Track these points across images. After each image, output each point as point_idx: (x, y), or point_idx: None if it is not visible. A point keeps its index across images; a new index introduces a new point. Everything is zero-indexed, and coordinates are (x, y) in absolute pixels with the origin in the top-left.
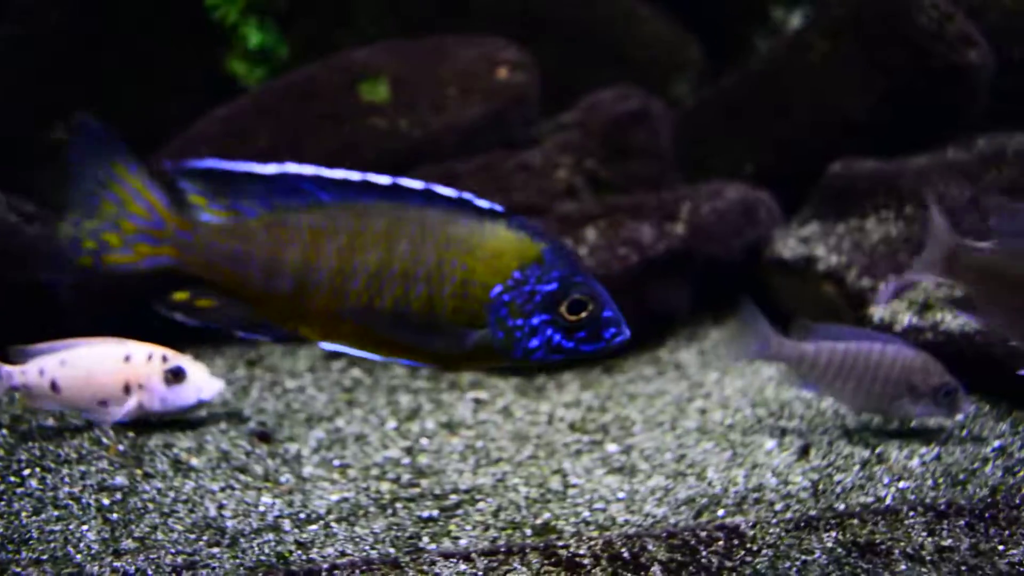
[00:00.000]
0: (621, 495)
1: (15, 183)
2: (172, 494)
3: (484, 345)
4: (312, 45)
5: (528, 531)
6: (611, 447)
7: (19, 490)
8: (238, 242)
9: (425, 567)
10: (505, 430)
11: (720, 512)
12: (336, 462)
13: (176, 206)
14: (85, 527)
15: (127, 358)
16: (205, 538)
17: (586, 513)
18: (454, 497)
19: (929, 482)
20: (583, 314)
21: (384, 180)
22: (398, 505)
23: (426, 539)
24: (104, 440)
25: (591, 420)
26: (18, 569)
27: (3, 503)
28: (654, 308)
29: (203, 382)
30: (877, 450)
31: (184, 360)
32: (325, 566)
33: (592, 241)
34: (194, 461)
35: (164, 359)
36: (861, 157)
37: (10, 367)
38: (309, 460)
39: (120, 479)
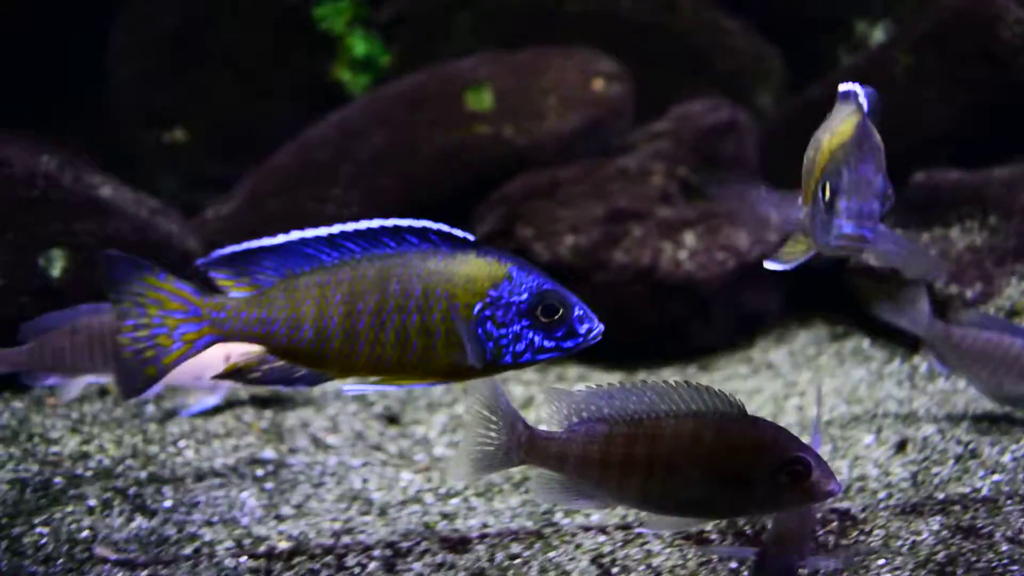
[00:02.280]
0: None
1: (133, 182)
2: (319, 468)
3: (480, 356)
4: (412, 55)
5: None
6: None
7: (178, 459)
8: (262, 309)
9: (568, 537)
10: None
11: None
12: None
13: (204, 292)
14: (245, 494)
15: None
16: (356, 508)
17: None
18: None
19: (1021, 476)
20: (556, 316)
21: (369, 227)
22: (529, 483)
23: (559, 515)
24: (245, 418)
25: None
26: (193, 529)
27: (167, 470)
28: (746, 310)
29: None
30: (970, 446)
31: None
32: (475, 534)
33: (691, 245)
34: (331, 439)
35: None
36: (943, 168)
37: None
38: (438, 441)
39: (269, 453)
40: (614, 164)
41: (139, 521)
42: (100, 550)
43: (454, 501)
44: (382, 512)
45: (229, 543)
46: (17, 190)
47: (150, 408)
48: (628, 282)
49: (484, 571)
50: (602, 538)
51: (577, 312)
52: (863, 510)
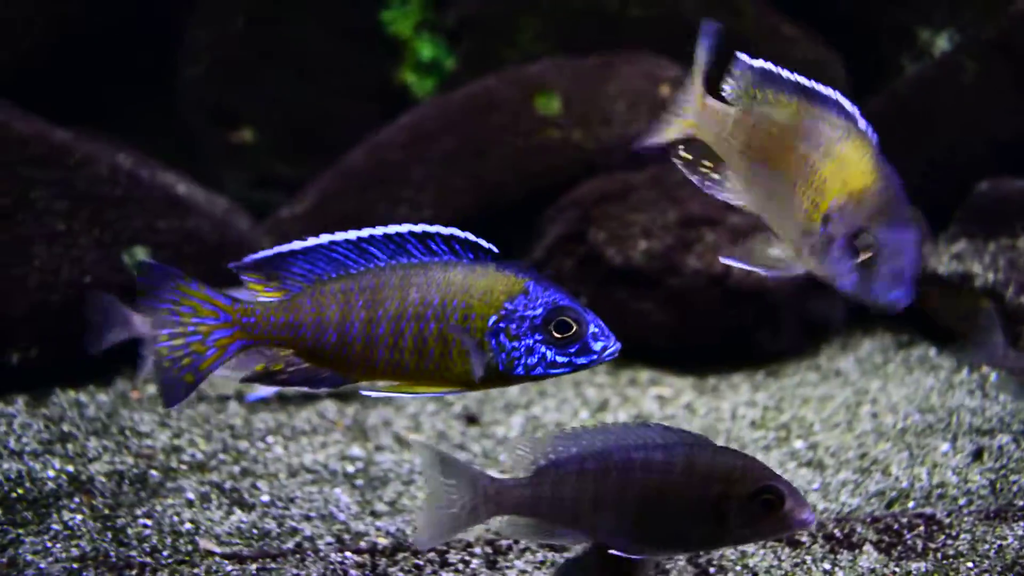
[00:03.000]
0: (815, 486)
1: (203, 179)
2: (407, 466)
3: (492, 367)
4: (477, 59)
5: None
6: (798, 444)
7: (268, 455)
8: (290, 314)
9: None
10: (695, 424)
11: (910, 504)
12: None
13: (233, 299)
14: (338, 490)
15: None
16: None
17: None
18: None
19: None
20: (570, 332)
21: (397, 231)
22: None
23: None
24: (328, 415)
25: (771, 419)
26: (293, 523)
27: (260, 465)
28: (813, 318)
29: None
30: None
31: None
32: None
33: None
34: (413, 438)
35: None
36: (1009, 176)
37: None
38: (517, 444)
39: (356, 450)
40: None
41: (239, 515)
42: (204, 543)
43: None
44: None
45: (329, 538)
46: (101, 188)
47: (233, 405)
48: (700, 288)
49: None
50: None
51: (592, 329)
52: (948, 515)
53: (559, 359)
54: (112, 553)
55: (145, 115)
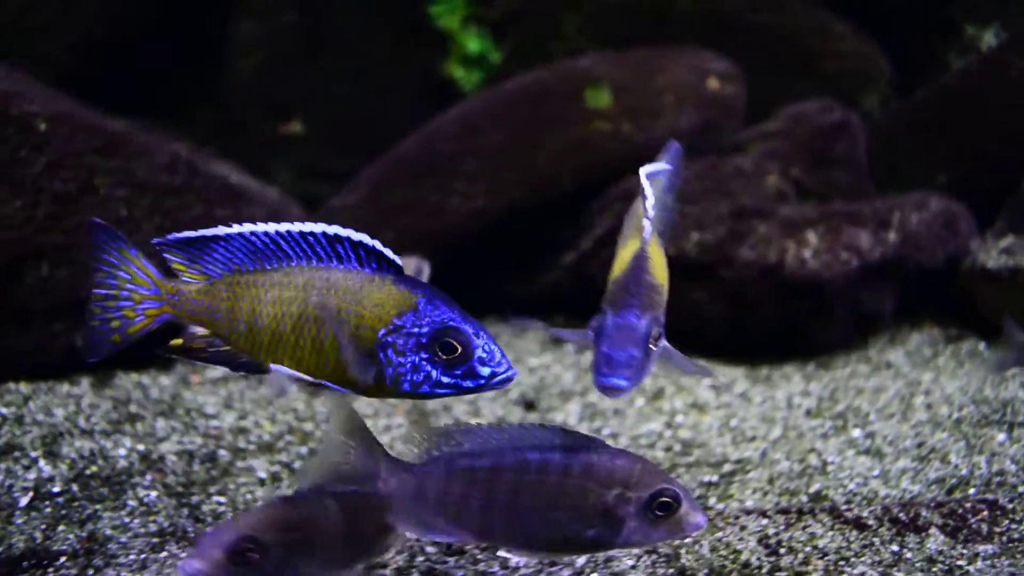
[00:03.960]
0: (875, 473)
1: (251, 171)
2: None
3: (381, 379)
4: (523, 53)
5: (804, 497)
6: (855, 432)
7: None
8: (209, 299)
9: (731, 519)
10: (751, 412)
11: (971, 491)
12: (606, 431)
13: (165, 275)
14: None
15: None
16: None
17: (851, 486)
18: (727, 466)
19: None
20: (455, 354)
21: (311, 231)
22: (680, 470)
23: (713, 499)
24: (391, 400)
25: (826, 408)
26: None
27: (314, 444)
28: (864, 311)
29: None
30: None
31: None
32: None
33: (814, 244)
34: (473, 423)
35: None
36: None
37: None
38: (578, 428)
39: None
40: (731, 163)
41: None
42: None
43: None
44: None
45: None
46: (161, 177)
47: (293, 388)
48: (754, 279)
49: (656, 548)
50: (764, 521)
51: (480, 354)
52: (1010, 501)
53: (444, 379)
54: (190, 529)
55: (191, 107)
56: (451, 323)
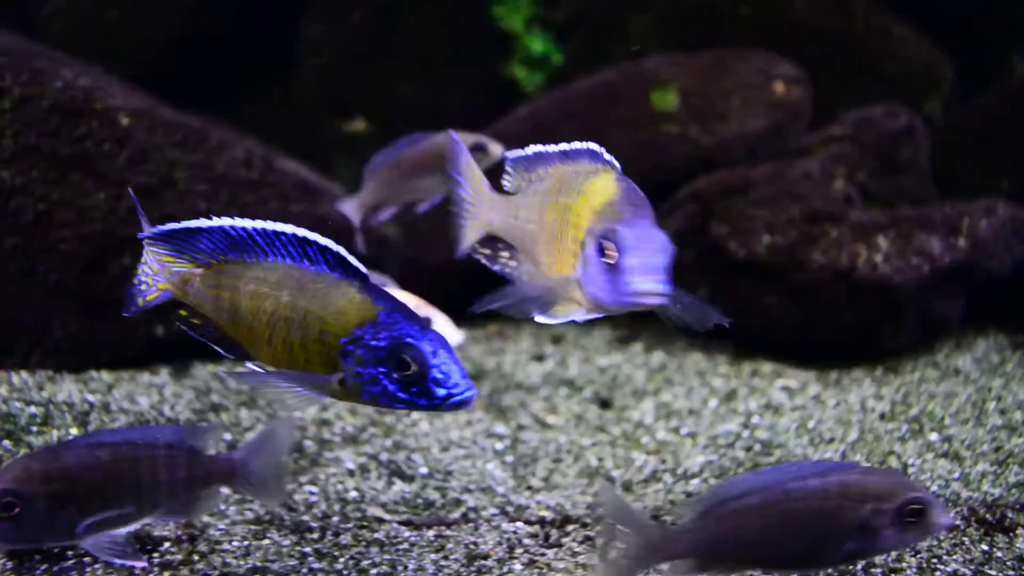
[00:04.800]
0: (956, 475)
1: (313, 167)
2: (552, 444)
3: (345, 385)
4: (585, 54)
5: None
6: (932, 436)
7: (415, 430)
8: (200, 285)
9: None
10: (827, 415)
11: None
12: (684, 430)
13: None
14: (490, 465)
15: None
16: (597, 485)
17: (933, 488)
18: None
19: None
20: (408, 371)
21: (283, 231)
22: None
23: None
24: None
25: (900, 412)
26: (455, 495)
27: (411, 439)
28: (933, 316)
29: (447, 333)
30: None
31: (433, 311)
32: None
33: (885, 249)
34: (552, 420)
35: (417, 307)
36: None
37: None
38: (657, 427)
39: (501, 428)
40: (798, 166)
41: (400, 485)
42: (372, 510)
43: (694, 482)
44: (626, 488)
45: (493, 509)
46: (238, 171)
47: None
48: (825, 282)
49: None
50: None
51: (435, 374)
52: None
53: (400, 395)
54: (286, 517)
55: (255, 105)
56: (407, 340)
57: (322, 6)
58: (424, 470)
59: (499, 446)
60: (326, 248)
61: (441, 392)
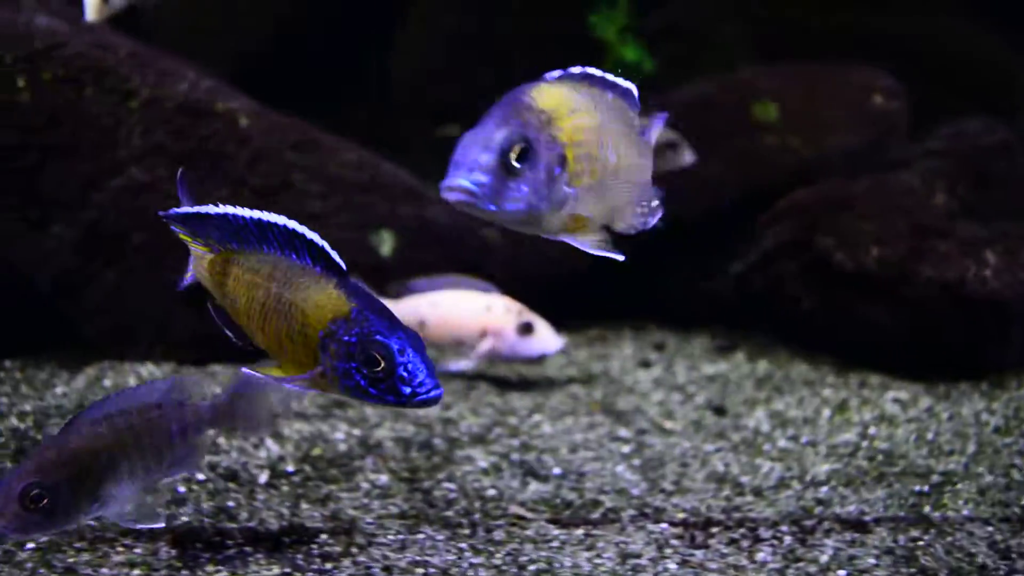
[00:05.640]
0: None
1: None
2: (676, 450)
3: (324, 377)
4: (677, 64)
5: (1016, 509)
6: None
7: (540, 431)
8: (212, 271)
9: (957, 526)
10: (943, 427)
11: None
12: (803, 439)
13: (201, 247)
14: (620, 467)
15: (488, 308)
16: (728, 489)
17: None
18: (934, 477)
19: None
20: (377, 369)
21: (269, 220)
22: (890, 479)
23: (928, 507)
24: (580, 396)
25: (1015, 426)
26: (591, 495)
27: (538, 440)
28: None
29: (549, 339)
30: None
31: (535, 317)
32: (869, 518)
33: (993, 263)
34: (669, 424)
35: (519, 313)
36: None
37: (385, 300)
38: (775, 435)
39: (624, 431)
40: (898, 180)
41: (536, 485)
42: (514, 508)
43: (823, 489)
44: (757, 494)
45: (631, 511)
46: (351, 174)
47: (483, 384)
48: (934, 297)
49: (892, 550)
50: (989, 528)
51: (400, 372)
52: None
53: (371, 391)
54: (429, 513)
55: (350, 108)
56: (376, 337)
57: (417, 11)
58: (558, 471)
59: (625, 449)
60: (311, 242)
61: (407, 390)
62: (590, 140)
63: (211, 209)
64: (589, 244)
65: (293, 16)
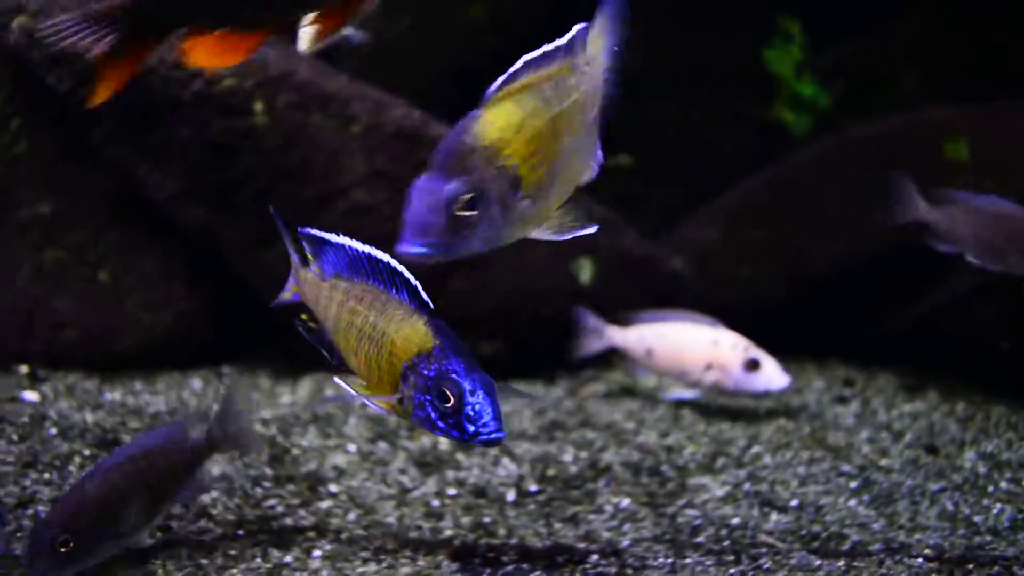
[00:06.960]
0: None
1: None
2: (902, 487)
3: (402, 404)
4: (851, 101)
5: None
6: None
7: (761, 463)
8: (316, 292)
9: None
10: None
11: None
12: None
13: (305, 264)
14: (852, 502)
15: (715, 342)
16: (963, 528)
17: None
18: None
19: None
20: (448, 405)
21: (374, 256)
22: None
23: None
24: (789, 428)
25: None
26: (835, 528)
27: (765, 471)
28: None
29: (774, 375)
30: None
31: (761, 353)
32: None
33: None
34: (884, 462)
35: (745, 349)
36: None
37: (614, 328)
38: (994, 476)
39: (846, 467)
40: None
41: (777, 516)
42: (763, 537)
43: None
44: (995, 533)
45: (878, 544)
46: None
47: (687, 413)
48: None
49: None
50: None
51: (468, 411)
52: None
53: (440, 424)
54: (682, 539)
55: None
56: (451, 375)
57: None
58: (795, 502)
59: (852, 485)
60: (407, 280)
61: (471, 428)
62: (544, 140)
63: (334, 238)
64: (556, 232)
65: (491, 46)
